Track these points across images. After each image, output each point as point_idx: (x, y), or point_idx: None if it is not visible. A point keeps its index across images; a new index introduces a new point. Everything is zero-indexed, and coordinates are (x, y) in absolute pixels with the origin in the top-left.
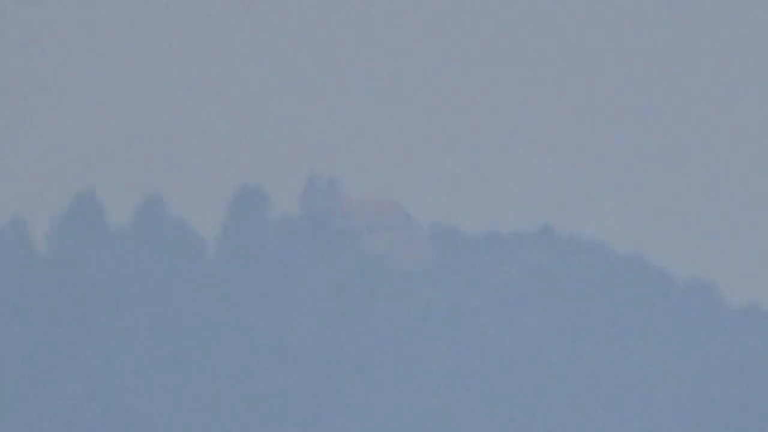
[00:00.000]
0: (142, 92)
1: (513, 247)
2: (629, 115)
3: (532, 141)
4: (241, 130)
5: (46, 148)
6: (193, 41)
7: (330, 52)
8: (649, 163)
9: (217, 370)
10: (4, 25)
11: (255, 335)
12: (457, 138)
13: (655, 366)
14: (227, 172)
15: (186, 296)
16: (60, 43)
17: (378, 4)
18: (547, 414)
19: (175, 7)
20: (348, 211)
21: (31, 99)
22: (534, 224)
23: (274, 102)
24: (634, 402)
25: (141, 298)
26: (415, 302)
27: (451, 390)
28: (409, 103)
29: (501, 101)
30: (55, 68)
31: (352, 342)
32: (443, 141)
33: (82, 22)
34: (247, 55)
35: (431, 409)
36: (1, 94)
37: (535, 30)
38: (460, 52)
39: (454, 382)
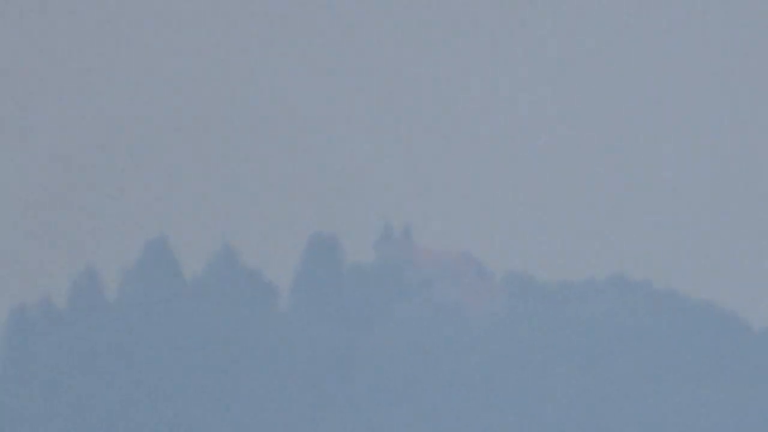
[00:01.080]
0: (216, 141)
1: (585, 295)
2: (701, 162)
3: (604, 191)
4: (315, 178)
5: (120, 197)
6: (270, 94)
7: (403, 103)
8: (724, 209)
9: (291, 420)
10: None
11: (327, 385)
12: (531, 188)
13: (730, 416)
14: (301, 220)
15: (259, 346)
16: (138, 94)
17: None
18: None
19: (254, 50)
20: (422, 260)
21: (107, 148)
22: (606, 273)
23: (348, 150)
24: None
25: (215, 348)
26: (489, 351)
27: None
28: (482, 153)
29: (572, 153)
30: (133, 120)
31: (426, 391)
32: (518, 190)
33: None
34: (321, 103)
35: None
36: (72, 146)
37: (607, 77)
38: (534, 104)
39: (521, 431)
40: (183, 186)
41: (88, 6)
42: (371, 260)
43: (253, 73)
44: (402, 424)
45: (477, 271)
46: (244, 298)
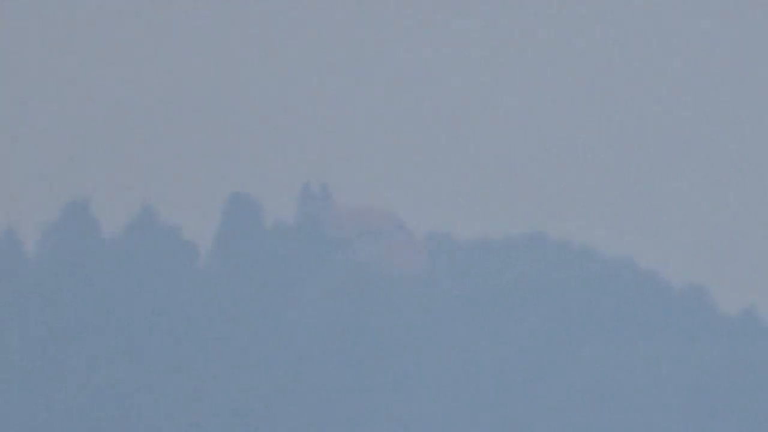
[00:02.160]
0: (134, 97)
1: (506, 253)
2: (620, 119)
3: (524, 146)
4: (235, 137)
5: (38, 155)
6: (184, 46)
7: (321, 56)
8: (640, 167)
9: (210, 379)
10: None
11: (248, 343)
12: (450, 145)
13: (646, 373)
14: (220, 179)
15: (179, 304)
16: (54, 44)
17: (360, 6)
18: (537, 423)
19: (166, 7)
20: (342, 218)
21: (23, 104)
22: (526, 231)
23: (267, 108)
24: (626, 409)
25: (133, 306)
26: (409, 309)
27: (443, 397)
28: (401, 110)
29: (490, 105)
30: (48, 71)
31: (346, 349)
32: (436, 148)
33: (75, 21)
34: (239, 59)
35: (422, 416)
36: None
37: (517, 25)
38: (449, 57)
39: (446, 390)
40: (102, 146)
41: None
42: (291, 219)
43: (173, 23)
44: (321, 384)
45: (398, 229)
46: (163, 257)
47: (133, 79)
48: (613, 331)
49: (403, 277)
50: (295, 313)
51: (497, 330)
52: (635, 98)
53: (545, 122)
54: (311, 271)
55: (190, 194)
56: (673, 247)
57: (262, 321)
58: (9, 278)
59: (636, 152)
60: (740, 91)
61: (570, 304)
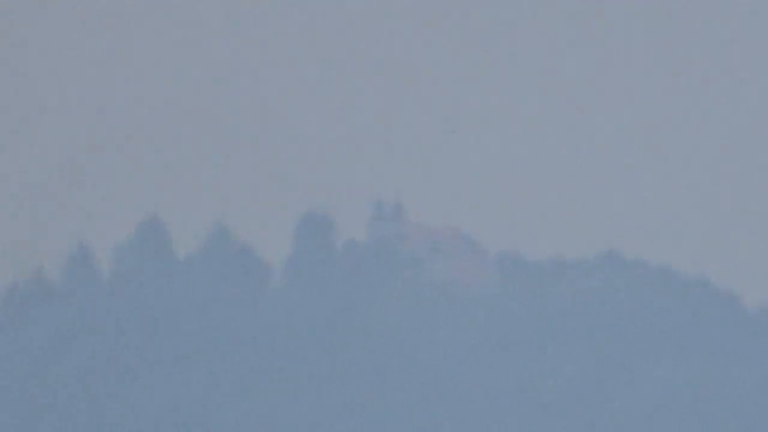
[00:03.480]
0: (210, 121)
1: (578, 273)
2: (697, 141)
3: (600, 166)
4: (308, 156)
5: (113, 172)
6: (261, 75)
7: (389, 76)
8: (717, 187)
9: (283, 399)
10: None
11: (320, 362)
12: (523, 164)
13: (723, 392)
14: (293, 198)
15: (252, 324)
16: (132, 61)
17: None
18: None
19: (242, 35)
20: (413, 237)
21: (98, 122)
22: (598, 250)
23: (340, 127)
24: (701, 431)
25: (207, 326)
26: (479, 329)
27: (512, 419)
28: (476, 129)
29: (565, 126)
30: (122, 88)
31: (416, 368)
32: (509, 167)
33: (141, 39)
34: (312, 82)
35: None
36: (70, 127)
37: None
38: (528, 78)
39: (515, 411)
40: (176, 165)
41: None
42: (363, 238)
43: (242, 57)
44: (393, 403)
45: (469, 249)
46: (236, 276)
47: (210, 99)
48: (688, 352)
49: (474, 296)
50: (366, 332)
51: (567, 351)
52: (716, 121)
53: (619, 143)
54: (382, 291)
55: (264, 213)
56: (749, 266)
57: (333, 340)
58: (83, 297)
59: (713, 173)
60: None
61: (643, 323)
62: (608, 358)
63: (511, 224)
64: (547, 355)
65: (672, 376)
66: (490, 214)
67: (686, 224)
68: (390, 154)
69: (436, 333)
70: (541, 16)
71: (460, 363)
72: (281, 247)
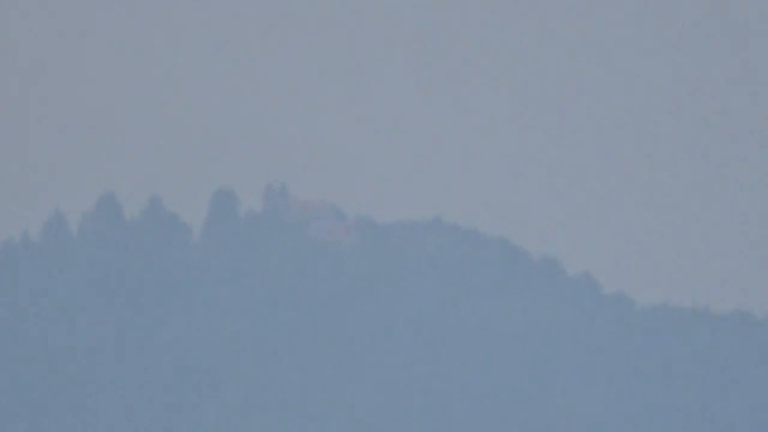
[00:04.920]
0: (165, 116)
1: (413, 234)
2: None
3: (426, 138)
4: (218, 148)
5: (77, 156)
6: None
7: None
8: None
9: (192, 324)
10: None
11: (226, 299)
12: (376, 148)
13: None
14: (208, 178)
15: (176, 270)
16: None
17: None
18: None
19: (168, 12)
20: (295, 207)
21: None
22: (431, 215)
23: (243, 124)
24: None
25: (147, 274)
26: (344, 274)
27: (369, 351)
28: (346, 121)
29: (409, 102)
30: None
31: (299, 304)
32: (368, 151)
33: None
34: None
35: (359, 368)
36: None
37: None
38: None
39: (374, 342)
40: (127, 153)
41: None
42: (259, 208)
43: (169, 28)
44: (281, 331)
45: (335, 215)
46: (166, 235)
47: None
48: (500, 311)
49: (340, 251)
50: (261, 277)
51: (412, 292)
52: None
53: (446, 109)
54: (273, 247)
55: (187, 189)
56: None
57: (236, 282)
58: (56, 253)
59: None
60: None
61: (459, 279)
62: (440, 299)
63: (365, 196)
64: (396, 298)
65: (480, 322)
66: (349, 189)
67: (514, 193)
68: (278, 145)
69: (312, 279)
70: None
71: (329, 304)
72: (199, 214)
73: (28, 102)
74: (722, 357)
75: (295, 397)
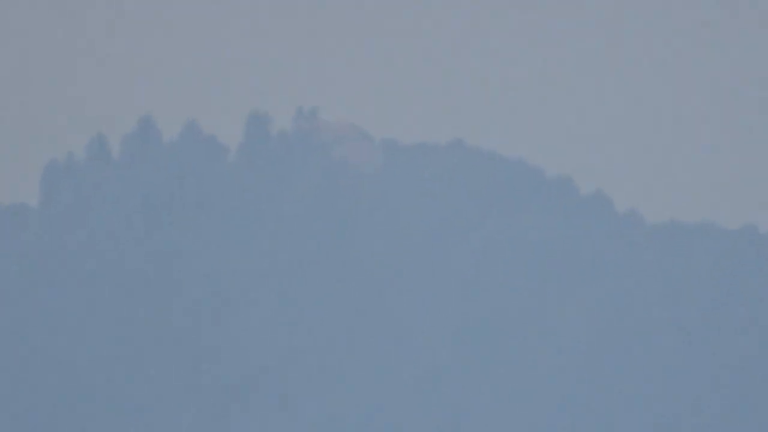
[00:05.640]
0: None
1: (436, 155)
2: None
3: (455, 73)
4: (253, 75)
5: (118, 82)
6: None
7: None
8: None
9: (226, 238)
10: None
11: (258, 212)
12: (402, 74)
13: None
14: (244, 102)
15: (216, 188)
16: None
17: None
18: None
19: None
20: (323, 129)
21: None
22: (448, 138)
23: (272, 55)
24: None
25: (187, 192)
26: (368, 194)
27: (388, 268)
28: (371, 53)
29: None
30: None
31: (325, 219)
32: (391, 78)
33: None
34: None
35: (376, 290)
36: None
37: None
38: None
39: (393, 258)
40: (169, 82)
41: None
42: (290, 130)
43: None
44: (311, 246)
45: (361, 137)
46: (205, 155)
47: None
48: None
49: (365, 173)
50: (290, 195)
51: (431, 210)
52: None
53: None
54: (302, 167)
55: (225, 112)
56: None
57: (267, 197)
58: (100, 171)
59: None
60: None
61: (475, 198)
62: (459, 218)
63: (391, 118)
64: (418, 218)
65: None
66: (376, 113)
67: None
68: (308, 74)
69: (338, 200)
70: None
71: (354, 215)
72: (236, 136)
73: (71, 30)
74: (729, 271)
75: (322, 311)
